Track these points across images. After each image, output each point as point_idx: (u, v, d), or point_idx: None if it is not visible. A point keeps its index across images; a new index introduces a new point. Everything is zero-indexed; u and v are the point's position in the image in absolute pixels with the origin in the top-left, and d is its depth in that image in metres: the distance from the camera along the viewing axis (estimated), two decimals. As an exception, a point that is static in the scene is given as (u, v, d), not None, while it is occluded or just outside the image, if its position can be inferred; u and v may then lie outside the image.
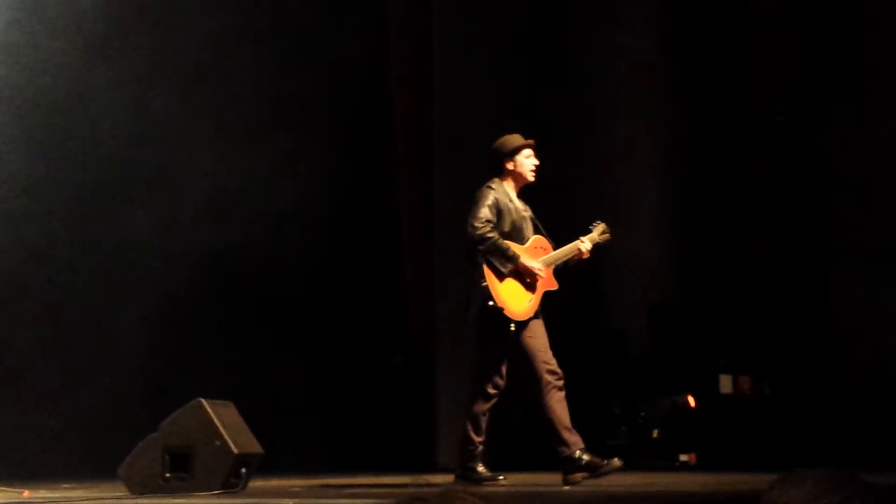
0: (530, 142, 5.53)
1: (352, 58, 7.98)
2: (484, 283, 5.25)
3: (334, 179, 7.81)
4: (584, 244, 5.51)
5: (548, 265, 5.43)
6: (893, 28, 8.92)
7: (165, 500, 4.23)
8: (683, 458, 7.85)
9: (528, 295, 5.35)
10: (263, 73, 7.45)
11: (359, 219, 8.05)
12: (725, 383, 8.20)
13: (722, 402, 8.18)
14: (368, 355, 7.87)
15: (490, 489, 5.34)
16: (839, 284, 9.02)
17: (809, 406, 8.59)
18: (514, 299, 5.29)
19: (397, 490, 5.03)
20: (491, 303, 5.23)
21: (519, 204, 5.50)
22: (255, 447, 4.82)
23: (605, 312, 9.20)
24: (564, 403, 5.38)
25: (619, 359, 8.84)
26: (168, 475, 4.56)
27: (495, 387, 5.44)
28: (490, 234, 5.26)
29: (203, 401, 4.61)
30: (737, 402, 8.04)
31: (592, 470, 5.25)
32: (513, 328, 5.28)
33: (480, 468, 5.46)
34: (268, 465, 5.22)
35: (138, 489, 4.57)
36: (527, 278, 5.33)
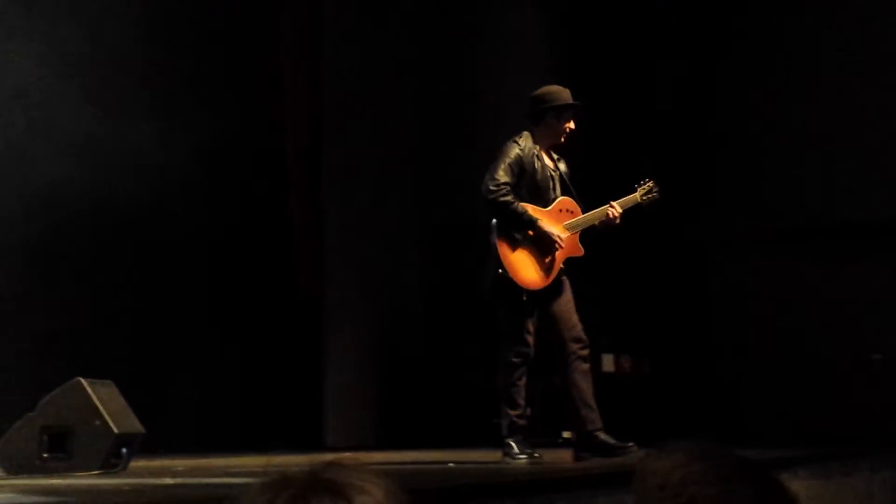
0: (580, 104, 5.19)
1: (242, 30, 7.85)
2: (495, 249, 4.98)
3: (219, 154, 7.68)
4: (614, 209, 5.16)
5: (572, 230, 5.12)
6: (772, 18, 9.18)
7: (43, 481, 4.14)
8: (566, 434, 7.98)
9: (546, 263, 5.05)
10: (147, 38, 7.25)
11: (246, 196, 7.95)
12: (607, 362, 8.37)
13: (604, 381, 8.35)
14: (254, 334, 7.79)
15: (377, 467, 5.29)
16: (718, 264, 9.28)
17: (688, 384, 8.84)
18: (528, 267, 5.01)
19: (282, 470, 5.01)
20: (501, 270, 4.97)
21: (547, 161, 5.15)
22: (136, 427, 4.75)
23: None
24: (589, 376, 5.15)
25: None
26: (46, 455, 4.48)
27: (518, 355, 5.08)
28: (504, 198, 4.93)
29: (82, 380, 4.53)
30: (618, 380, 8.21)
31: (605, 452, 5.04)
32: (525, 298, 5.00)
33: (512, 443, 5.06)
34: (151, 444, 5.15)
35: (14, 469, 4.47)
36: (545, 245, 5.02)
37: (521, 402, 5.09)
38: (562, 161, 5.25)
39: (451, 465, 5.32)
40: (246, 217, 7.89)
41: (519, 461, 4.99)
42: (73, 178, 6.62)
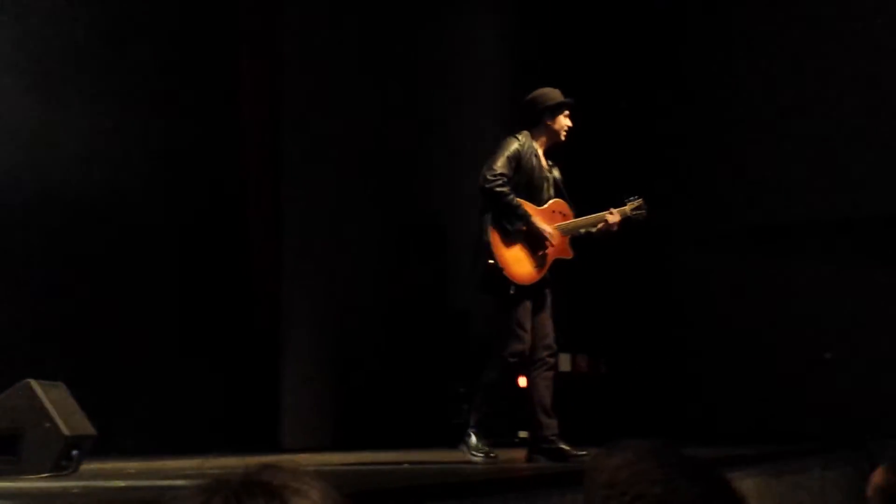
0: (571, 100, 5.24)
1: (200, 24, 7.78)
2: (487, 240, 4.97)
3: (176, 151, 7.61)
4: (613, 216, 5.19)
5: (564, 232, 5.13)
6: (731, 19, 9.26)
7: (-9, 484, 4.07)
8: (522, 434, 8.00)
9: (536, 260, 5.05)
10: (104, 32, 7.14)
11: (203, 194, 7.87)
12: (564, 361, 8.40)
13: (561, 380, 8.37)
14: (211, 335, 7.72)
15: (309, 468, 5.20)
16: (676, 262, 9.35)
17: (645, 383, 8.90)
18: (518, 261, 5.01)
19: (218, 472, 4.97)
20: (492, 261, 4.95)
21: (544, 162, 5.19)
22: (87, 429, 4.68)
23: (451, 291, 9.29)
24: (550, 384, 5.16)
25: (463, 339, 8.95)
26: (-6, 458, 4.40)
27: (513, 354, 5.05)
28: (500, 189, 4.95)
29: (32, 381, 4.46)
30: (575, 379, 8.24)
31: (558, 458, 5.03)
32: (512, 291, 4.98)
33: (473, 436, 5.05)
34: (104, 447, 5.08)
35: (-38, 473, 4.39)
36: (536, 242, 5.03)
37: (500, 400, 5.12)
38: (556, 168, 5.29)
39: (406, 465, 5.31)
40: (203, 215, 7.81)
41: (475, 458, 5.00)
42: (21, 172, 6.53)
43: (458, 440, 5.17)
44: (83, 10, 7.02)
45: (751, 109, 9.11)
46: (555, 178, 5.23)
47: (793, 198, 8.91)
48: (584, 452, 4.96)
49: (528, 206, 5.05)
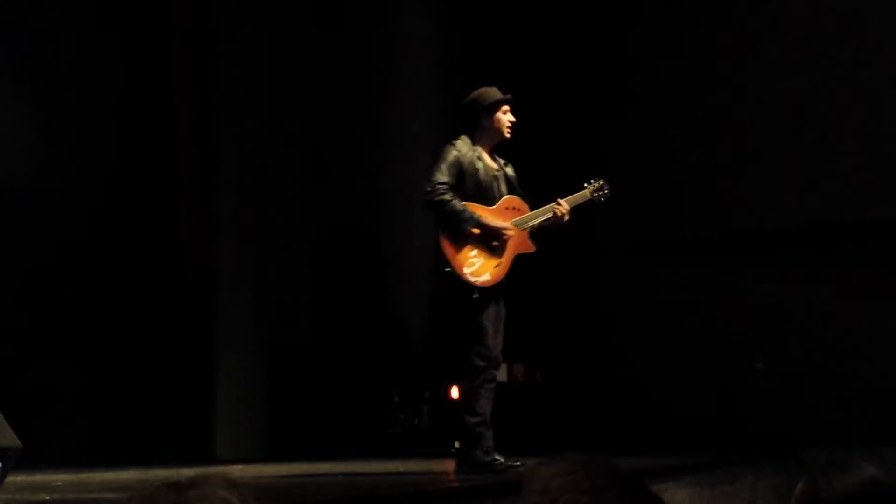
0: (509, 97, 5.19)
1: (131, 21, 7.67)
2: (440, 250, 4.91)
3: (105, 153, 7.49)
4: (561, 206, 5.12)
5: (521, 227, 5.08)
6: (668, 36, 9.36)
7: (-90, 499, 3.96)
8: (458, 444, 7.99)
9: (496, 259, 5.00)
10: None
11: (134, 200, 7.75)
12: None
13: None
14: (143, 343, 7.59)
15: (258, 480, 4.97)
16: (609, 272, 9.41)
17: (581, 393, 8.94)
18: (476, 264, 4.94)
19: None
20: (448, 269, 4.90)
21: (490, 162, 5.15)
22: (12, 440, 4.55)
23: (388, 300, 9.26)
24: (492, 395, 5.08)
25: (400, 347, 8.92)
26: (-85, 472, 4.26)
27: (482, 358, 5.01)
28: (440, 198, 4.91)
29: (-45, 392, 4.34)
30: (511, 389, 8.25)
31: (486, 469, 4.94)
32: (476, 296, 4.92)
33: (480, 453, 4.94)
34: (31, 459, 4.96)
35: None
36: (492, 241, 4.97)
37: (483, 409, 4.97)
38: (509, 165, 5.27)
39: (340, 476, 5.26)
40: (135, 220, 7.70)
41: (484, 474, 4.86)
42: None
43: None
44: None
45: (694, 115, 9.20)
46: (507, 176, 5.20)
47: (724, 209, 9.02)
48: (518, 463, 4.92)
49: (478, 208, 5.01)
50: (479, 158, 5.09)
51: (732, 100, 9.03)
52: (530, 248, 5.14)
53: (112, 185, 7.55)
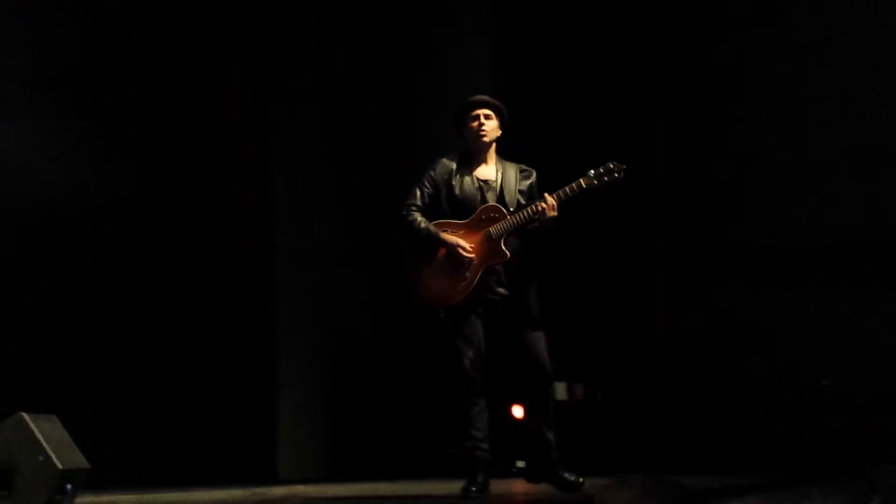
0: (471, 100, 5.02)
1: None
2: (407, 272, 4.86)
3: (164, 176, 7.61)
4: (546, 200, 4.80)
5: (496, 235, 4.81)
6: (724, 46, 9.29)
7: (-16, 520, 4.04)
8: (520, 464, 7.96)
9: (460, 276, 4.79)
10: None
11: (194, 221, 7.86)
12: (560, 390, 8.37)
13: (557, 409, 8.33)
14: (206, 365, 7.69)
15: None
16: (667, 289, 9.33)
17: (640, 412, 8.86)
18: (441, 283, 4.80)
19: None
20: (415, 293, 4.84)
21: (482, 172, 4.96)
22: (81, 462, 4.63)
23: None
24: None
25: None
26: (-13, 492, 4.36)
27: (458, 380, 4.84)
28: (407, 218, 4.86)
29: (24, 414, 4.42)
30: (571, 408, 8.21)
31: (561, 484, 4.92)
32: (443, 315, 4.78)
33: (467, 478, 4.79)
34: (98, 480, 5.04)
35: (-46, 508, 4.35)
36: (455, 258, 4.79)
37: (474, 432, 4.83)
38: (512, 167, 5.03)
39: (404, 496, 5.26)
40: (195, 241, 7.81)
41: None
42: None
43: (455, 470, 5.09)
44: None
45: (740, 132, 9.12)
46: (502, 184, 4.96)
47: (789, 223, 8.91)
48: (581, 480, 4.92)
49: (444, 224, 4.88)
50: (460, 173, 4.96)
51: (797, 107, 8.91)
52: (502, 257, 4.82)
53: (171, 202, 7.67)
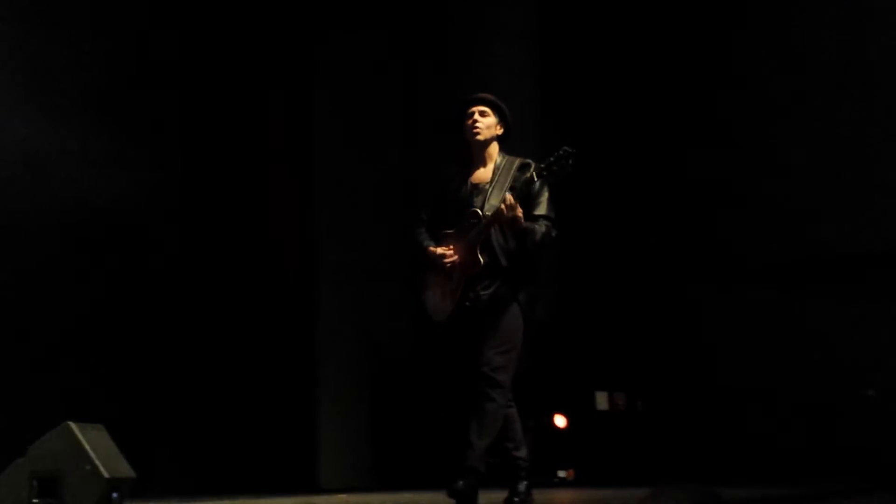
0: (463, 99, 4.81)
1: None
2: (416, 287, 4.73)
3: (207, 186, 7.68)
4: (505, 199, 4.49)
5: (471, 243, 4.58)
6: (787, 60, 9.23)
7: (32, 528, 4.11)
8: (561, 474, 7.95)
9: (449, 286, 4.62)
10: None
11: (237, 232, 7.93)
12: (601, 400, 8.35)
13: (598, 419, 8.33)
14: (247, 376, 7.75)
15: None
16: (706, 301, 9.28)
17: (681, 421, 8.81)
18: (435, 296, 4.66)
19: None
20: (421, 304, 4.71)
21: (480, 174, 4.72)
22: (126, 471, 4.70)
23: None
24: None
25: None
26: (36, 501, 4.42)
27: (456, 390, 4.70)
28: (410, 235, 4.76)
29: (71, 423, 4.49)
30: (612, 418, 8.19)
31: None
32: (440, 328, 4.63)
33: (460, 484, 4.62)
34: (142, 489, 5.10)
35: (4, 516, 4.42)
36: (443, 270, 4.63)
37: (470, 438, 4.59)
38: (512, 165, 4.70)
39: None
40: (236, 250, 7.88)
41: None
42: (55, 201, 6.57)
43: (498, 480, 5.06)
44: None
45: (784, 142, 9.05)
46: (494, 186, 4.64)
47: (827, 233, 8.82)
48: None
49: (448, 233, 4.69)
50: (457, 178, 4.76)
51: (838, 121, 8.83)
52: (476, 265, 4.56)
53: (215, 213, 7.75)
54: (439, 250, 4.65)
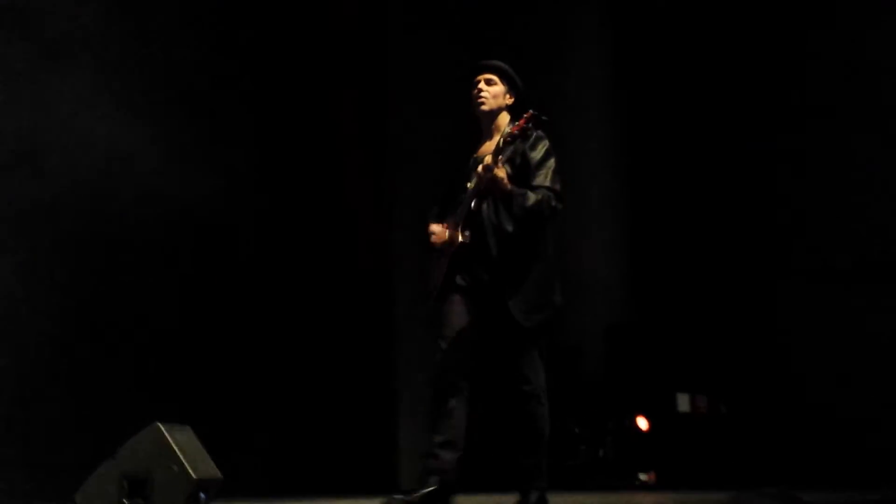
0: (471, 69, 4.42)
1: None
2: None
3: (285, 191, 7.78)
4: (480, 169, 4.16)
5: (457, 219, 4.26)
6: (849, 62, 9.07)
7: (123, 527, 4.20)
8: (643, 477, 7.89)
9: (440, 262, 4.32)
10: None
11: (316, 238, 8.03)
12: (683, 402, 8.27)
13: (680, 421, 8.25)
14: (329, 379, 7.84)
15: None
16: (786, 302, 9.14)
17: (764, 424, 8.69)
18: (432, 271, 4.41)
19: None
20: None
21: (485, 148, 4.35)
22: (214, 472, 4.78)
23: (562, 328, 9.24)
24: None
25: (575, 377, 8.88)
26: (125, 501, 4.52)
27: (440, 379, 4.38)
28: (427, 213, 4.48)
29: (160, 424, 4.58)
30: (694, 420, 8.10)
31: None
32: (432, 303, 4.36)
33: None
34: (229, 489, 5.19)
35: (96, 516, 4.53)
36: (431, 246, 4.38)
37: (444, 432, 4.29)
38: (519, 139, 4.22)
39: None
40: (314, 254, 7.97)
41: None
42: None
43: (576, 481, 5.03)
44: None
45: (861, 147, 8.88)
46: (494, 159, 4.17)
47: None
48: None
49: (451, 212, 4.36)
50: (468, 154, 4.41)
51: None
52: (454, 242, 4.22)
53: (293, 214, 7.84)
54: (431, 227, 4.35)
